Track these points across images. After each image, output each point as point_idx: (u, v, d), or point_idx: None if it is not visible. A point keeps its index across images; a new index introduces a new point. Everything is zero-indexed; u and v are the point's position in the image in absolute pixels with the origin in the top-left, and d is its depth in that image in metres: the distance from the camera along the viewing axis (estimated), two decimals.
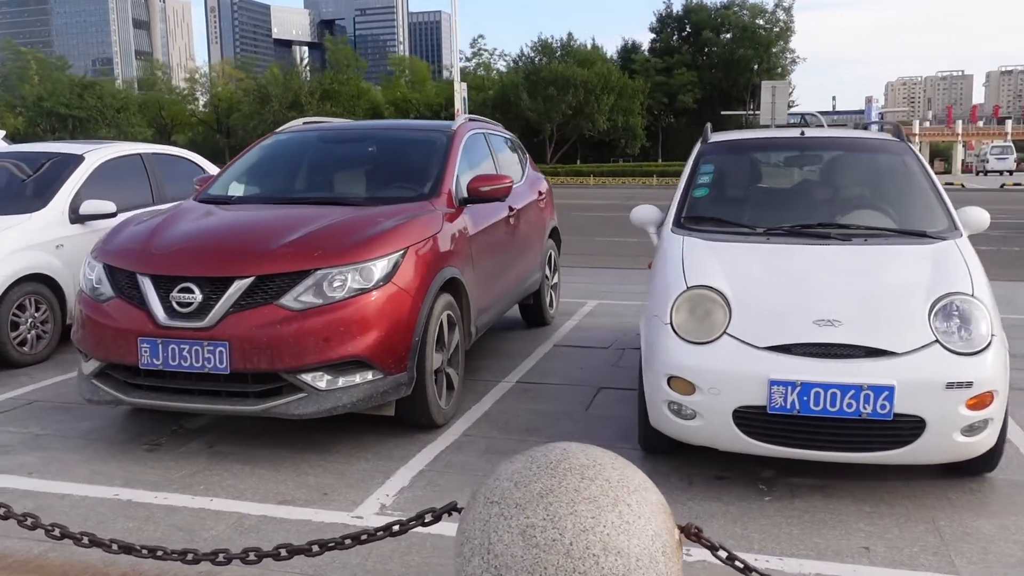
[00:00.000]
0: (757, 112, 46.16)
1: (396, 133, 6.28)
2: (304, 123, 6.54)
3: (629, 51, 49.57)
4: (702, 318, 3.76)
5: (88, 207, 6.64)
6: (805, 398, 3.50)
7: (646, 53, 49.10)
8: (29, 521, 3.01)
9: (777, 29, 44.92)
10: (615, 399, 5.28)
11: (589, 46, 47.33)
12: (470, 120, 6.22)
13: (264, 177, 5.78)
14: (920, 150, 49.49)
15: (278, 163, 5.88)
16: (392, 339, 4.23)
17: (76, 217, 6.62)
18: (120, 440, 4.59)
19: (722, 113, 45.78)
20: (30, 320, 6.20)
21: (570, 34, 46.70)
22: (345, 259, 4.20)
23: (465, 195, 5.36)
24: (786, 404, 3.52)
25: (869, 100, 41.48)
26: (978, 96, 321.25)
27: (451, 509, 2.67)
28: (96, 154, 7.18)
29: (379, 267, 4.26)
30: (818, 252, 4.14)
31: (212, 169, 8.67)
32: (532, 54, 46.35)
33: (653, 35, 50.14)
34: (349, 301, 4.14)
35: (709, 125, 5.42)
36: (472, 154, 5.89)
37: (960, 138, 51.03)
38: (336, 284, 4.15)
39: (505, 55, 64.23)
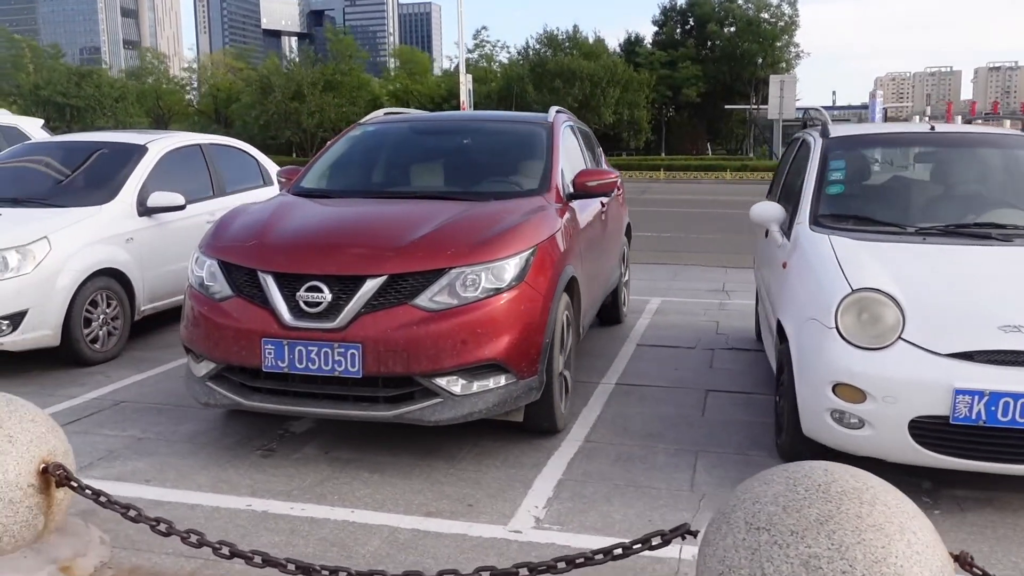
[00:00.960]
0: (761, 106, 46.16)
1: (492, 125, 6.05)
2: (385, 114, 6.32)
3: (633, 44, 49.33)
4: (871, 322, 3.58)
5: (156, 199, 6.40)
6: (993, 408, 3.32)
7: (649, 46, 48.91)
8: (194, 539, 2.82)
9: (782, 23, 44.79)
10: (727, 403, 5.10)
11: (592, 39, 47.26)
12: (559, 112, 6.02)
13: (360, 170, 5.56)
14: None
15: (372, 155, 5.66)
16: (525, 341, 4.04)
17: (144, 210, 6.38)
18: (228, 445, 4.38)
19: (725, 107, 45.70)
20: (102, 316, 5.97)
21: (576, 26, 46.39)
22: (479, 257, 4.00)
23: (571, 190, 5.16)
24: (971, 414, 3.34)
25: (873, 95, 41.28)
26: (966, 92, 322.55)
27: (684, 532, 2.48)
28: (158, 144, 6.94)
29: (512, 266, 4.06)
30: (983, 253, 3.96)
31: (264, 160, 8.43)
32: (538, 46, 46.13)
33: (656, 28, 50.01)
34: (485, 302, 3.93)
35: (826, 117, 5.22)
36: (566, 147, 5.68)
37: None
38: (470, 283, 3.94)
39: (507, 47, 63.89)
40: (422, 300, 3.88)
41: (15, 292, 5.43)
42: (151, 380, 5.60)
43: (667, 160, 41.48)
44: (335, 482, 3.91)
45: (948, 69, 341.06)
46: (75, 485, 2.98)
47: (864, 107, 42.49)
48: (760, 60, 44.93)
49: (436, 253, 4.00)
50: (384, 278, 3.89)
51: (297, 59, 47.23)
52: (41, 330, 5.56)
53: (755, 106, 43.95)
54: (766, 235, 5.29)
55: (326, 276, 3.92)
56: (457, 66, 52.15)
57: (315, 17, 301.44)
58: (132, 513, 2.89)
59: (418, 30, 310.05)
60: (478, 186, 5.17)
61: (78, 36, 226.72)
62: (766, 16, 44.88)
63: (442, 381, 3.87)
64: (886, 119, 40.16)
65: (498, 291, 3.97)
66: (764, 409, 4.93)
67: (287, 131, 45.93)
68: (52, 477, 2.99)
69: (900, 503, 2.23)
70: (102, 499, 2.95)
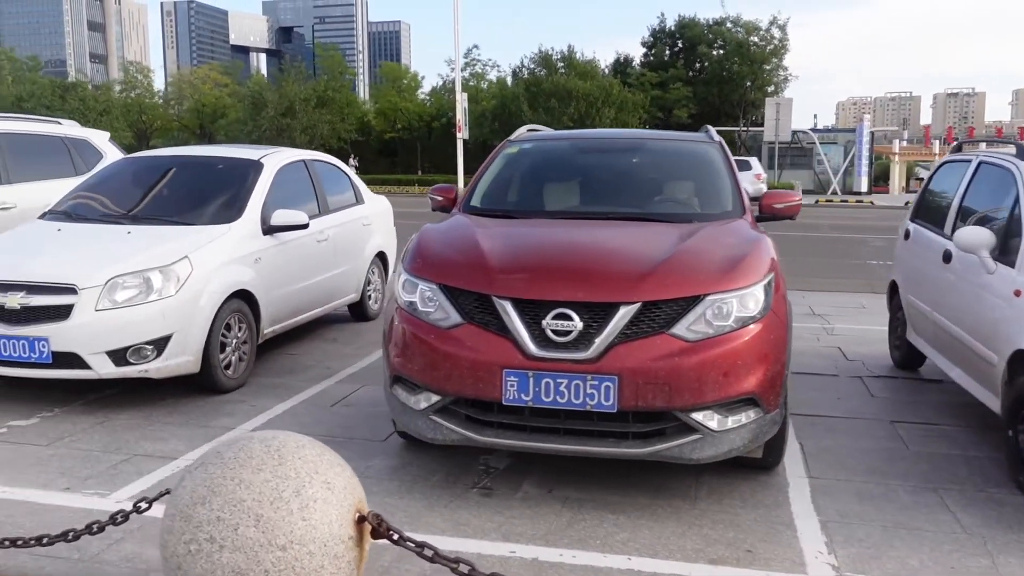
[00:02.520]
0: (750, 128, 46.51)
1: (657, 143, 5.83)
2: (528, 131, 6.08)
3: (623, 65, 49.54)
4: None
5: (280, 217, 6.10)
6: None
7: (639, 67, 49.09)
8: None
9: (771, 47, 45.23)
10: (921, 435, 4.89)
11: (586, 59, 47.24)
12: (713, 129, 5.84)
13: (532, 189, 5.30)
14: (900, 170, 50.25)
15: (539, 174, 5.41)
16: (774, 373, 3.81)
17: (267, 228, 6.07)
18: (437, 482, 4.08)
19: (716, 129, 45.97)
20: (234, 341, 5.64)
21: (571, 46, 46.48)
22: (732, 284, 3.77)
23: (757, 212, 4.97)
24: None
25: (861, 120, 41.80)
26: (925, 117, 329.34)
27: None
28: (272, 160, 6.63)
29: (759, 293, 3.83)
30: None
31: (354, 177, 8.16)
32: (532, 66, 46.05)
33: (645, 49, 50.22)
34: (740, 331, 3.70)
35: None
36: None
37: (937, 157, 51.78)
38: (724, 312, 3.71)
39: (497, 66, 63.59)
40: (679, 329, 3.64)
41: (160, 315, 5.10)
42: (300, 409, 5.27)
43: None
44: (584, 524, 3.64)
45: (908, 94, 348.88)
46: (396, 537, 2.69)
47: (852, 131, 42.85)
48: (749, 83, 45.32)
49: (688, 279, 3.76)
50: (638, 305, 3.64)
51: (290, 74, 46.53)
52: (183, 356, 5.23)
53: (744, 128, 44.28)
54: (946, 259, 5.11)
55: (575, 303, 3.66)
56: (443, 84, 52.15)
57: (284, 34, 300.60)
58: (463, 569, 2.61)
59: (387, 48, 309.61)
60: (668, 207, 4.96)
61: (43, 49, 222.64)
62: (755, 39, 45.30)
63: (699, 416, 3.62)
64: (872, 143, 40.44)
65: (751, 320, 3.74)
66: (963, 442, 4.74)
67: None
68: (368, 526, 2.70)
69: None
70: (426, 552, 2.67)
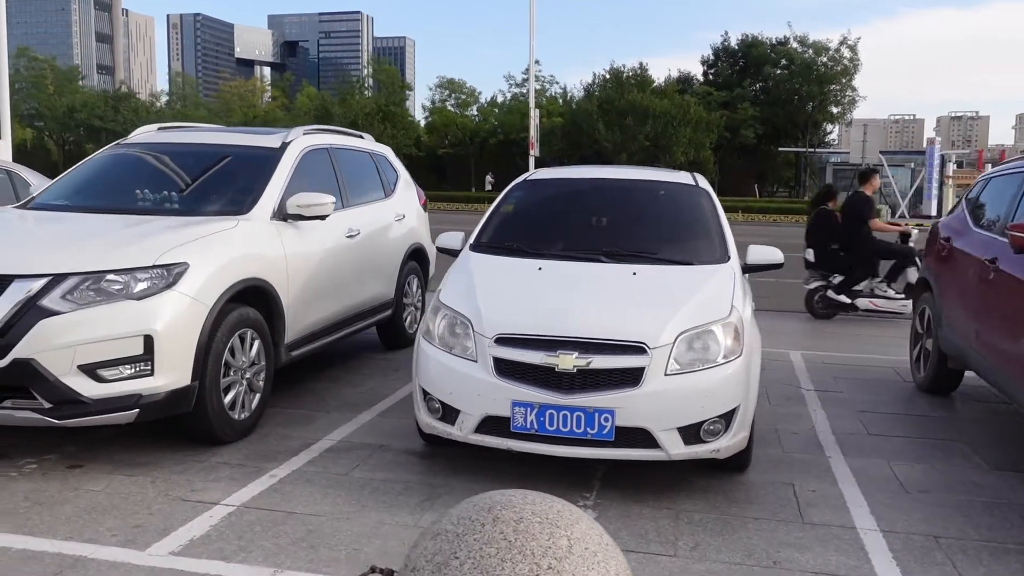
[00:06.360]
0: (814, 150, 45.69)
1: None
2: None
3: (685, 83, 48.63)
4: None
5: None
6: None
7: (699, 86, 48.19)
8: None
9: (839, 67, 44.38)
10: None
11: (662, 79, 46.24)
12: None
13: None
14: (953, 194, 49.36)
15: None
16: None
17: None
18: None
19: (779, 149, 45.15)
20: None
21: (642, 64, 45.43)
22: None
23: None
24: None
25: (931, 141, 40.89)
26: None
27: None
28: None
29: None
30: None
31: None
32: (603, 82, 44.89)
33: (704, 67, 49.45)
34: None
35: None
36: None
37: None
38: None
39: (556, 82, 62.16)
40: None
41: (732, 382, 4.01)
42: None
43: (730, 201, 40.63)
44: None
45: (912, 117, 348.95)
46: None
47: (920, 153, 41.96)
48: (811, 104, 44.47)
49: None
50: None
51: (354, 88, 45.53)
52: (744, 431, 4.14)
53: (810, 149, 43.43)
54: None
55: None
56: (493, 100, 51.27)
57: (289, 48, 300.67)
58: None
59: (392, 64, 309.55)
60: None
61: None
62: (824, 60, 44.46)
63: None
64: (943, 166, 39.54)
65: None
66: None
67: None
68: None
69: None
70: None
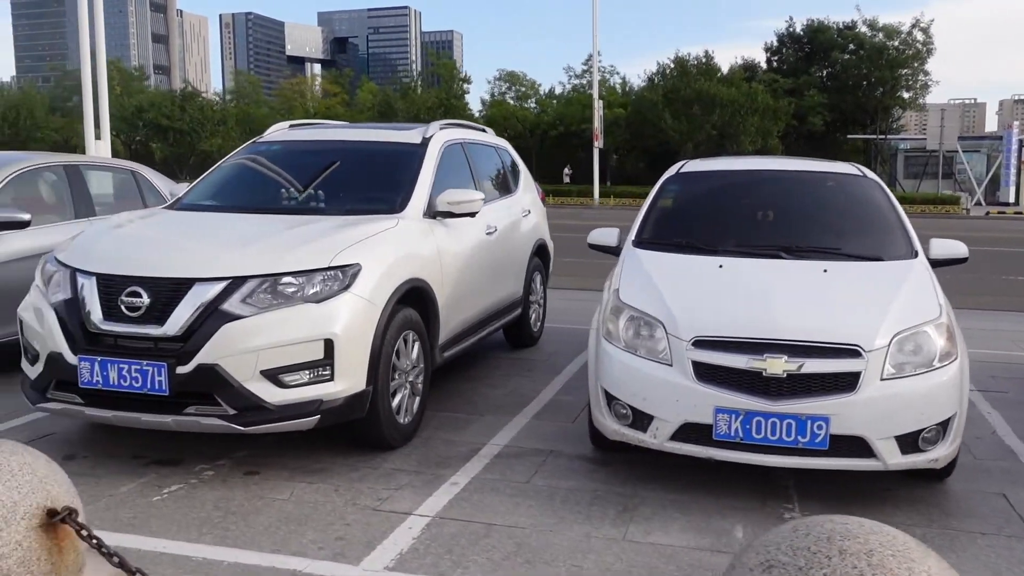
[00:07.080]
0: (885, 136, 44.49)
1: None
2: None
3: (749, 70, 47.71)
4: None
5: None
6: None
7: (764, 72, 47.26)
8: None
9: (911, 52, 43.12)
10: None
11: (727, 67, 45.38)
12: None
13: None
14: None
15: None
16: None
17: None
18: None
19: (848, 136, 44.07)
20: None
21: (707, 51, 44.60)
22: None
23: None
24: None
25: (1010, 126, 39.56)
26: (991, 124, 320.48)
27: None
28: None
29: None
30: None
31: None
32: (670, 72, 44.20)
33: (768, 54, 48.47)
34: None
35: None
36: None
37: None
38: None
39: (616, 72, 61.23)
40: None
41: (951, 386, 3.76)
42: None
43: None
44: None
45: (973, 101, 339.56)
46: None
47: (999, 138, 40.61)
48: (881, 90, 43.29)
49: None
50: None
51: (417, 83, 45.66)
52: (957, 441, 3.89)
53: (881, 136, 42.31)
54: None
55: None
56: (553, 91, 50.94)
57: (338, 44, 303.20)
58: None
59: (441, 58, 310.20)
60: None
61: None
62: (895, 43, 43.25)
63: None
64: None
65: None
66: None
67: None
68: None
69: None
70: None
